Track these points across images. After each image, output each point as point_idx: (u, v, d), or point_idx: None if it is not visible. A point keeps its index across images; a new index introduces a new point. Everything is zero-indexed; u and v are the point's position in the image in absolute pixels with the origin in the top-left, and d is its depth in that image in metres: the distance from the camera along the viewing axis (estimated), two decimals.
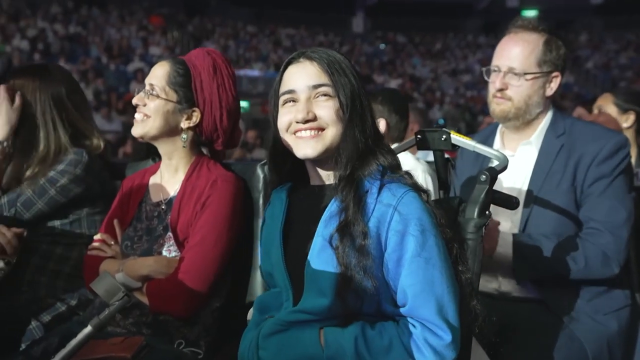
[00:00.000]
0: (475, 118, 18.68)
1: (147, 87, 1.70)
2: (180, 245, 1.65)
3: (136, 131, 1.71)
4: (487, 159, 1.80)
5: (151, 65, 2.06)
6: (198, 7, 24.57)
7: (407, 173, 1.27)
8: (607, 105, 2.87)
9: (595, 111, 2.91)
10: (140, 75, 14.02)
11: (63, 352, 1.24)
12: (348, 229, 1.17)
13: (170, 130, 1.71)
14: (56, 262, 1.95)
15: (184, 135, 1.72)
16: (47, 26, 17.50)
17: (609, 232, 1.68)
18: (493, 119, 1.94)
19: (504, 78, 1.83)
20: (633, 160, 2.62)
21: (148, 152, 2.32)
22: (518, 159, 1.87)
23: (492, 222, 1.65)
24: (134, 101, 1.71)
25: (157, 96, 1.68)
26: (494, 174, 1.34)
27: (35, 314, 1.85)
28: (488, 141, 1.98)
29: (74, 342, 1.24)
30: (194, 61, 1.74)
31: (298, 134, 1.26)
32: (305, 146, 1.25)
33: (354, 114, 1.24)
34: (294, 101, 1.28)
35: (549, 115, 1.87)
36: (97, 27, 19.09)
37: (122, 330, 1.59)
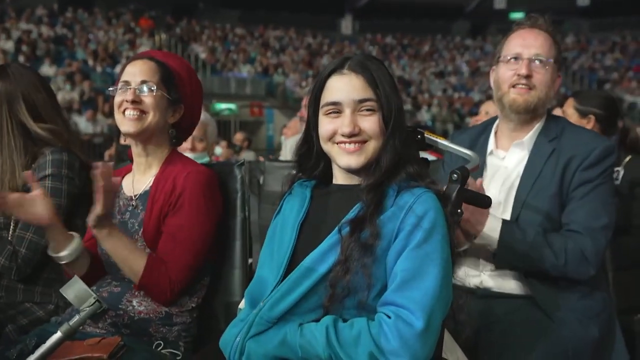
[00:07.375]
0: (463, 119, 18.77)
1: (137, 84, 1.65)
2: (151, 242, 1.64)
3: (134, 127, 1.63)
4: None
5: None
6: (186, 9, 24.48)
7: (433, 181, 1.29)
8: (569, 110, 2.82)
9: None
10: None
11: (32, 358, 1.23)
12: (360, 225, 1.20)
13: (163, 127, 1.71)
14: (33, 267, 1.88)
15: (171, 131, 1.74)
16: (33, 28, 17.36)
17: (588, 235, 1.69)
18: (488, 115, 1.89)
19: (529, 65, 1.75)
20: None
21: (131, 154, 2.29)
22: (509, 159, 1.86)
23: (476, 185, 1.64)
24: (130, 97, 1.62)
25: (154, 92, 1.66)
26: (465, 172, 1.35)
27: (12, 318, 1.83)
28: (480, 139, 1.95)
29: (43, 347, 1.23)
30: (166, 60, 1.74)
31: (341, 145, 1.28)
32: (348, 158, 1.27)
33: (395, 126, 1.27)
34: (338, 112, 1.29)
35: (543, 117, 1.86)
36: (84, 29, 18.96)
37: (100, 330, 1.59)
